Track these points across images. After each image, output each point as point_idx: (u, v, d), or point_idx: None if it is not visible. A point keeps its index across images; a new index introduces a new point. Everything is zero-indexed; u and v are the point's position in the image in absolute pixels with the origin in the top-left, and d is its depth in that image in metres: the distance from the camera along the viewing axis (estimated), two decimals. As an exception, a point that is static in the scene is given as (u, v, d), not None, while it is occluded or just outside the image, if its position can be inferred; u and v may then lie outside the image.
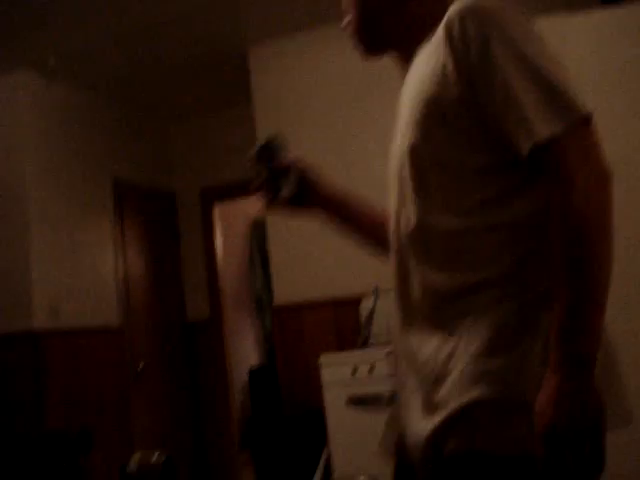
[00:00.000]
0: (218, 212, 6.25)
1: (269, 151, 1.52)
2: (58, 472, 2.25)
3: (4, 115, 4.93)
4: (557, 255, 1.14)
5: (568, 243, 1.13)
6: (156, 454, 1.42)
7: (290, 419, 4.37)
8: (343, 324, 4.32)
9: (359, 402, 3.52)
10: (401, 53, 1.41)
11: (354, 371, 3.57)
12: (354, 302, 4.20)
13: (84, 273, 5.12)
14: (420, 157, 1.27)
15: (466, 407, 1.17)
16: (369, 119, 4.34)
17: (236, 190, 6.05)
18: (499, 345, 1.18)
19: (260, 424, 5.87)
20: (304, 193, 1.56)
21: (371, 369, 3.53)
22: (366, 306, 4.09)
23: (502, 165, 1.22)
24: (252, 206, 6.84)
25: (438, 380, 1.22)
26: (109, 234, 5.44)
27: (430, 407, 1.22)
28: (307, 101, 4.58)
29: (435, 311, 1.27)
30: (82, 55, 4.77)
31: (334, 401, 3.59)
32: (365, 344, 3.95)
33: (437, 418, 1.20)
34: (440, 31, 1.24)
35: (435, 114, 1.23)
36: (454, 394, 1.19)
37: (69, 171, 5.14)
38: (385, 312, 4.00)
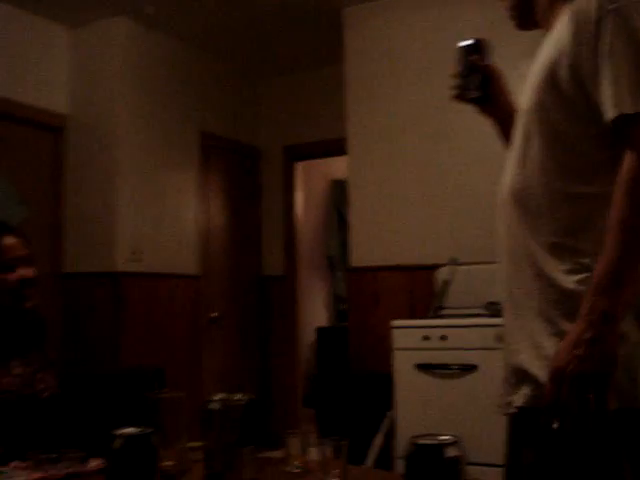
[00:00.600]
0: (300, 170, 6.29)
1: (476, 49, 1.65)
2: (133, 407, 2.33)
3: (101, 59, 5.04)
4: (612, 216, 1.26)
5: (624, 204, 1.24)
6: (239, 394, 1.46)
7: (356, 380, 4.41)
8: (417, 291, 4.32)
9: (428, 369, 3.54)
10: (544, 28, 1.50)
11: (425, 338, 3.57)
12: (429, 270, 4.20)
13: (167, 221, 5.24)
14: (534, 119, 1.38)
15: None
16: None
17: (318, 150, 6.08)
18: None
19: (325, 383, 5.95)
20: (490, 97, 1.68)
21: (443, 338, 3.53)
22: (441, 276, 4.08)
23: (599, 136, 1.32)
24: (333, 166, 6.87)
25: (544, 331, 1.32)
26: (193, 185, 5.54)
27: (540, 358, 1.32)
28: (400, 61, 4.53)
29: (537, 265, 1.36)
30: (179, 4, 4.84)
31: (403, 366, 3.61)
32: (438, 313, 3.95)
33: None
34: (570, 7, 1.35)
35: (549, 79, 1.34)
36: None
37: (158, 120, 5.24)
38: (460, 283, 4.00)
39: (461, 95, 1.68)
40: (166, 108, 5.30)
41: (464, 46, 1.67)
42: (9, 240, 2.03)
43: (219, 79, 5.89)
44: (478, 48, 1.65)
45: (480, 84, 1.65)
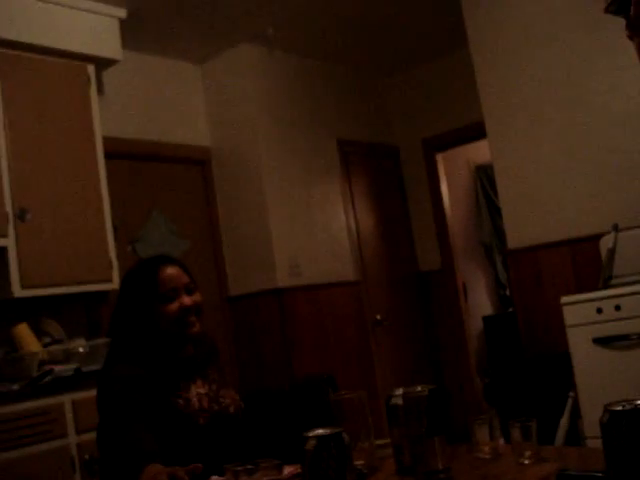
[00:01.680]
0: (441, 161, 6.24)
1: None
2: (314, 414, 2.39)
3: (233, 87, 5.23)
4: None
5: None
6: (419, 387, 1.46)
7: (532, 363, 4.30)
8: (582, 264, 4.16)
9: (606, 342, 3.40)
10: None
11: (599, 311, 3.44)
12: (591, 241, 4.04)
13: (318, 232, 5.34)
14: None
15: None
16: (595, 48, 4.10)
17: (457, 137, 6.01)
18: None
19: (501, 371, 5.83)
20: None
21: (617, 308, 3.38)
22: (605, 244, 3.91)
23: None
24: (474, 152, 6.75)
25: None
26: (338, 193, 5.62)
27: None
28: (526, 32, 4.39)
29: None
30: (295, 20, 4.93)
31: (579, 342, 3.49)
32: (607, 283, 3.79)
33: None
34: None
35: None
36: None
37: (295, 136, 5.36)
38: (626, 249, 3.82)
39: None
40: (300, 123, 5.41)
41: None
42: (167, 271, 2.09)
43: (346, 85, 5.95)
44: None
45: None
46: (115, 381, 1.95)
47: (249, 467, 1.69)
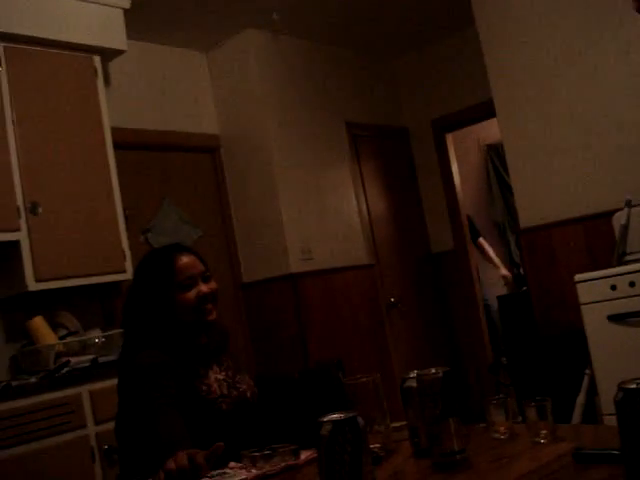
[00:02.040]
0: (451, 141, 6.21)
1: None
2: (327, 398, 2.40)
3: (239, 74, 5.22)
4: None
5: None
6: (433, 369, 1.46)
7: (547, 341, 4.30)
8: (595, 241, 4.14)
9: (621, 319, 3.39)
10: None
11: (613, 288, 3.42)
12: (605, 217, 4.01)
13: (330, 215, 5.34)
14: None
15: None
16: (603, 23, 4.06)
17: (466, 117, 5.98)
18: None
19: (516, 349, 5.83)
20: None
21: (631, 284, 3.37)
22: (619, 221, 3.89)
23: None
24: (484, 131, 6.72)
25: None
26: (349, 176, 5.61)
27: None
28: (534, 7, 4.36)
29: None
30: (300, 6, 4.91)
31: (594, 320, 3.48)
32: (621, 260, 3.77)
33: None
34: None
35: None
36: None
37: (304, 120, 5.35)
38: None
39: None
40: (309, 107, 5.40)
41: None
42: (183, 259, 2.10)
43: (354, 67, 5.93)
44: None
45: None
46: (143, 368, 1.95)
47: (266, 452, 1.70)
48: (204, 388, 2.01)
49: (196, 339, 2.10)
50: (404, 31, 5.73)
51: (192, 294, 2.06)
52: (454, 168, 6.16)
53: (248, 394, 2.12)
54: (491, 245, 7.00)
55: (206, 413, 1.96)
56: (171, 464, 1.47)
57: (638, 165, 3.90)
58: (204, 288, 2.08)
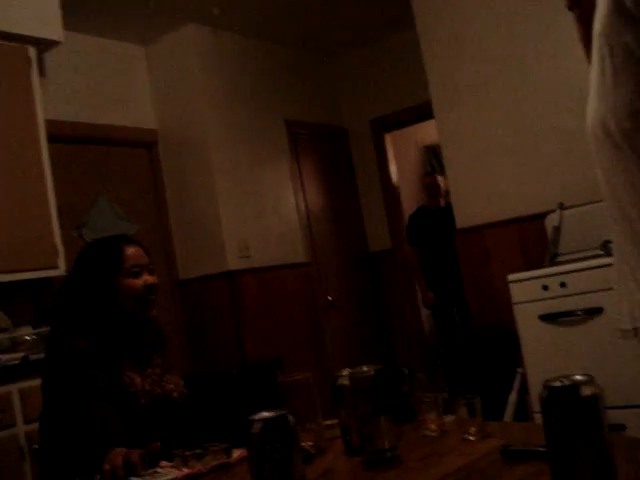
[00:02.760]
0: (390, 141, 6.26)
1: None
2: (261, 396, 2.40)
3: (178, 68, 5.17)
4: None
5: None
6: (365, 367, 1.47)
7: (480, 340, 4.37)
8: (528, 242, 4.23)
9: (552, 319, 3.46)
10: None
11: (545, 288, 3.49)
12: (538, 219, 4.10)
13: (268, 213, 5.33)
14: (602, 43, 1.33)
15: None
16: (539, 30, 4.14)
17: (405, 118, 6.03)
18: None
19: (450, 348, 5.91)
20: None
21: (562, 285, 3.44)
22: (551, 222, 3.98)
23: None
24: (423, 132, 6.79)
25: None
26: (287, 174, 5.61)
27: None
28: (473, 14, 4.41)
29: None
30: (241, 1, 4.88)
31: (526, 319, 3.54)
32: (553, 261, 3.86)
33: None
34: None
35: (615, 2, 1.28)
36: None
37: (244, 117, 5.32)
38: (572, 227, 3.89)
39: None
40: (248, 104, 5.38)
41: None
42: (131, 249, 2.11)
43: (294, 65, 5.93)
44: None
45: None
46: (72, 357, 1.93)
47: (198, 452, 1.68)
48: (127, 381, 1.99)
49: (131, 332, 2.08)
50: (345, 30, 5.75)
51: (139, 282, 2.06)
52: (392, 168, 6.21)
53: (174, 394, 2.10)
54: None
55: (125, 406, 1.94)
56: (106, 465, 1.46)
57: (570, 169, 4.00)
58: (150, 279, 2.09)
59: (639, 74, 1.29)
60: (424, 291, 5.75)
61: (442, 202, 5.80)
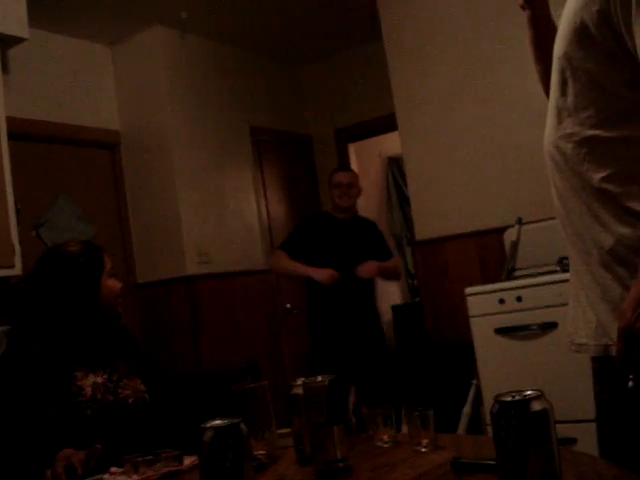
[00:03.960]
0: (354, 152, 6.28)
1: None
2: (221, 403, 2.38)
3: (144, 70, 5.13)
4: None
5: None
6: (319, 377, 1.47)
7: (437, 352, 4.40)
8: (486, 256, 4.27)
9: (507, 332, 3.50)
10: None
11: (501, 302, 3.53)
12: (496, 233, 4.15)
13: (229, 219, 5.31)
14: (567, 66, 1.34)
15: None
16: (500, 47, 4.19)
17: (369, 128, 6.06)
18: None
19: (407, 358, 5.94)
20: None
21: (519, 299, 3.49)
22: (509, 237, 4.03)
23: (634, 82, 1.27)
24: (387, 143, 6.83)
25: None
26: (250, 180, 5.60)
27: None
28: (439, 28, 4.46)
29: (589, 213, 1.34)
30: (209, 4, 4.87)
31: (482, 332, 3.58)
32: (510, 275, 3.90)
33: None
34: None
35: (579, 26, 1.29)
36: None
37: (208, 122, 5.30)
38: (529, 242, 3.94)
39: None
40: (213, 108, 5.36)
41: None
42: (107, 255, 2.22)
43: (261, 72, 5.92)
44: None
45: None
46: (17, 365, 1.94)
47: (149, 458, 1.67)
48: (74, 390, 1.97)
49: (93, 335, 2.08)
50: (313, 39, 5.76)
51: (118, 284, 2.21)
52: (355, 178, 6.22)
53: (130, 400, 2.08)
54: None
55: (71, 415, 1.92)
56: (47, 472, 1.49)
57: (530, 185, 4.05)
58: (117, 284, 2.22)
59: (600, 101, 1.30)
60: (314, 270, 4.27)
61: (352, 211, 4.55)
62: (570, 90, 1.34)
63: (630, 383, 1.20)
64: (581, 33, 1.29)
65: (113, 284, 2.18)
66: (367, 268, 4.24)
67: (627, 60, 1.25)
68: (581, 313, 1.43)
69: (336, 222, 4.45)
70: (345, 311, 4.28)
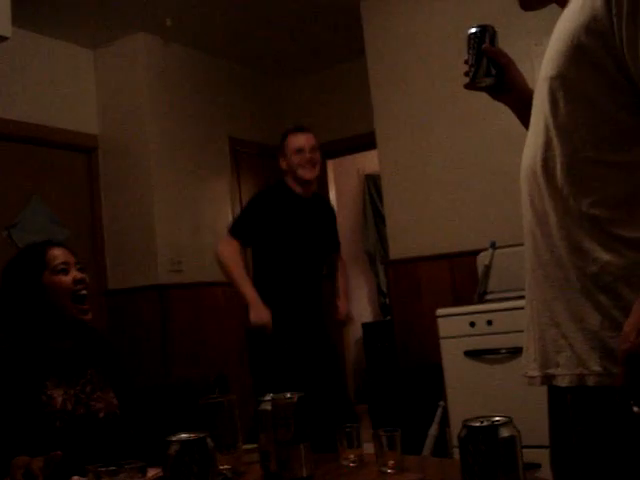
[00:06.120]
0: (331, 168, 6.29)
1: (484, 35, 1.60)
2: (189, 416, 2.36)
3: (125, 75, 5.11)
4: None
5: None
6: (288, 394, 1.47)
7: (405, 372, 4.40)
8: (459, 279, 4.29)
9: (477, 355, 3.51)
10: (559, 4, 1.42)
11: (472, 325, 3.55)
12: (470, 256, 4.17)
13: (204, 229, 5.29)
14: (559, 86, 1.30)
15: None
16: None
17: (348, 146, 6.07)
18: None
19: (375, 377, 5.94)
20: (503, 83, 1.64)
21: (489, 323, 3.50)
22: (482, 261, 4.05)
23: (632, 105, 1.23)
24: (365, 161, 6.85)
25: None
26: (227, 190, 5.58)
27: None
28: (421, 50, 4.50)
29: (570, 237, 1.32)
30: (195, 14, 4.87)
31: (451, 354, 3.59)
32: (482, 298, 3.92)
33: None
34: None
35: (575, 45, 1.26)
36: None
37: (187, 131, 5.29)
38: (502, 266, 3.96)
39: (473, 84, 1.64)
40: (193, 118, 5.34)
41: (472, 33, 1.62)
42: (55, 251, 2.10)
43: (242, 84, 5.92)
44: (485, 34, 1.60)
45: (492, 70, 1.60)
46: None
47: (112, 469, 1.65)
48: (44, 399, 1.93)
49: (63, 342, 2.04)
50: (296, 54, 5.78)
51: (68, 278, 2.05)
52: (332, 195, 6.24)
53: (101, 414, 2.04)
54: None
55: (39, 425, 1.89)
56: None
57: (504, 209, 4.08)
58: (79, 275, 2.08)
59: (594, 123, 1.25)
60: (255, 307, 3.66)
61: (314, 185, 3.86)
62: (561, 111, 1.30)
63: (636, 408, 1.15)
64: (578, 55, 1.26)
65: (60, 280, 2.04)
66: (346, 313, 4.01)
67: (628, 85, 1.22)
68: (540, 341, 1.42)
69: (298, 202, 3.72)
70: (300, 318, 3.82)
